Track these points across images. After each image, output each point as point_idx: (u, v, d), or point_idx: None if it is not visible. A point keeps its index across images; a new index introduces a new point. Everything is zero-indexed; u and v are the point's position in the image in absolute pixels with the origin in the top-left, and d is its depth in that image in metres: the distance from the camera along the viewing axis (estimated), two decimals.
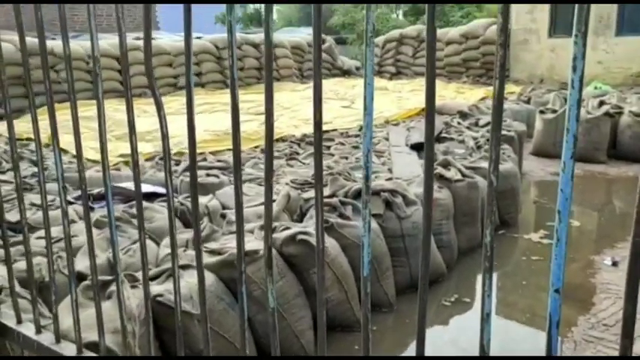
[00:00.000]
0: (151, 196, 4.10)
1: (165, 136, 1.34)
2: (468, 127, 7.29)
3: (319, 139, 1.09)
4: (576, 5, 0.81)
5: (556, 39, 13.35)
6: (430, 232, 1.08)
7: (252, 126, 7.51)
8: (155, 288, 2.45)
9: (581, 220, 5.92)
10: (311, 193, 4.14)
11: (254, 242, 2.98)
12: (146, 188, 4.17)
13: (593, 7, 12.80)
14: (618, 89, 10.64)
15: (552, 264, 0.94)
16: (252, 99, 9.73)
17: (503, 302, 4.06)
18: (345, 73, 15.82)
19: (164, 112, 1.37)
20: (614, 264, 4.32)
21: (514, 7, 14.24)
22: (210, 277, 2.70)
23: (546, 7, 13.21)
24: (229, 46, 1.17)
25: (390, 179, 4.67)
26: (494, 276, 4.65)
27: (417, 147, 6.21)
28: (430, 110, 0.98)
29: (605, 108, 8.23)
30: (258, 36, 13.93)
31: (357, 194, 3.94)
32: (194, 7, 1.23)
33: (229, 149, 6.30)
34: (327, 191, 4.11)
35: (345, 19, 21.04)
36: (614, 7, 12.47)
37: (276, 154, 6.37)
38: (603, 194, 6.84)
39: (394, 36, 15.99)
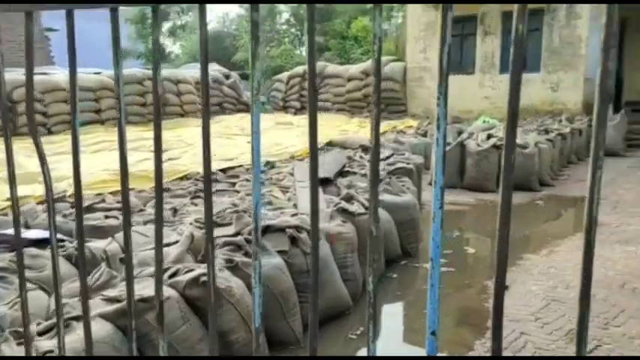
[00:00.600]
0: (42, 242, 3.85)
1: (46, 177, 1.28)
2: (369, 161, 7.54)
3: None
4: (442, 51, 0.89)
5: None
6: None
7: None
8: (44, 344, 2.28)
9: (476, 247, 6.28)
10: (216, 233, 4.08)
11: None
12: (36, 234, 3.92)
13: (479, 48, 13.91)
14: (504, 123, 11.49)
15: (427, 307, 0.99)
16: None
17: (409, 329, 4.18)
18: None
19: (43, 151, 1.31)
20: (506, 288, 4.60)
21: (409, 47, 15.11)
22: (106, 327, 2.57)
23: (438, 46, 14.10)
24: (116, 83, 1.16)
25: (295, 215, 4.72)
26: (400, 305, 4.79)
27: (322, 182, 6.33)
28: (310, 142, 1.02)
29: (492, 140, 8.88)
30: (163, 71, 13.69)
31: (264, 231, 3.94)
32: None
33: (130, 189, 6.08)
34: (231, 229, 4.07)
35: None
36: (498, 47, 13.59)
37: (180, 192, 6.22)
38: (494, 221, 7.31)
39: (298, 72, 16.36)
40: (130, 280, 1.23)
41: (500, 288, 0.93)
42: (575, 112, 12.63)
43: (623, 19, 13.53)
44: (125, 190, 1.19)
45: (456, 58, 14.06)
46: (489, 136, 9.25)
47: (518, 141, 8.85)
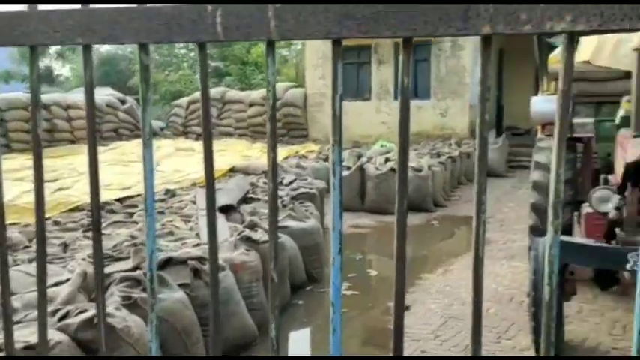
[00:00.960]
0: None
1: None
2: (269, 192, 7.56)
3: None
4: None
5: (345, 102, 14.73)
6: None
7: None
8: None
9: (378, 269, 6.47)
10: (112, 267, 3.88)
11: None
12: None
13: (375, 75, 14.53)
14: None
15: (330, 351, 1.00)
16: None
17: (318, 353, 4.20)
18: None
19: None
20: (407, 308, 4.77)
21: (308, 74, 15.45)
22: None
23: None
24: None
25: (197, 245, 4.61)
26: (307, 331, 4.81)
27: (224, 209, 6.24)
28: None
29: (390, 164, 9.26)
30: (49, 96, 12.93)
31: (165, 264, 3.81)
32: None
33: (14, 223, 5.63)
34: (129, 264, 3.89)
35: None
36: (392, 75, 14.27)
37: (71, 225, 5.86)
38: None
39: (198, 97, 16.11)
40: (8, 326, 1.13)
41: (400, 309, 0.96)
42: (463, 137, 13.50)
43: (500, 50, 14.76)
44: (1, 226, 1.10)
45: (354, 85, 14.57)
46: (387, 160, 9.63)
47: (413, 164, 9.30)
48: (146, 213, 1.02)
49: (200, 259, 4.07)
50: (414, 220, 8.38)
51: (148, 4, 0.90)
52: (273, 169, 0.97)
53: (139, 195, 7.53)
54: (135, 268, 3.73)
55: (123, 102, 16.11)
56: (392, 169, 9.02)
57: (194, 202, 6.90)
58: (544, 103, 5.83)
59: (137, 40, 0.92)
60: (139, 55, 0.94)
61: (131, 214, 6.38)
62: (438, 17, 0.81)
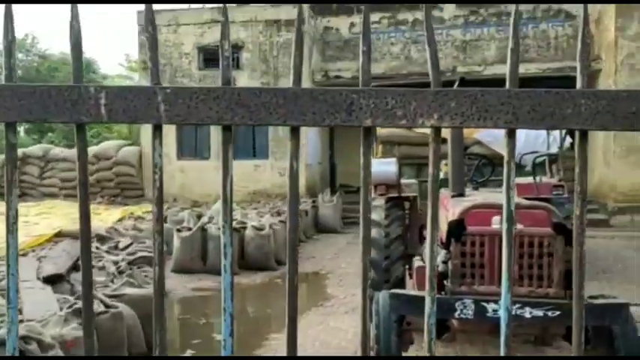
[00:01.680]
0: None
1: None
2: (107, 252, 7.06)
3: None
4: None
5: (184, 161, 14.49)
6: None
7: None
8: None
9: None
10: None
11: None
12: None
13: (213, 134, 14.56)
14: (240, 206, 12.09)
15: None
16: None
17: None
18: None
19: None
20: None
21: (143, 132, 14.96)
22: None
23: (174, 132, 14.32)
24: None
25: (20, 322, 4.08)
26: None
27: (51, 280, 5.64)
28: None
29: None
30: None
31: None
32: None
33: None
34: None
35: None
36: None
37: None
38: (238, 302, 7.47)
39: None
40: None
41: None
42: (301, 195, 14.01)
43: None
44: None
45: (192, 144, 14.43)
46: None
47: (254, 223, 9.38)
48: None
49: (25, 338, 3.61)
50: (256, 279, 8.37)
51: (24, 84, 0.84)
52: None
53: None
54: None
55: None
56: (234, 229, 8.99)
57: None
58: (376, 166, 6.35)
59: (6, 118, 0.85)
60: (6, 134, 0.86)
61: None
62: (325, 109, 0.88)
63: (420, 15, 15.88)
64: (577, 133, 0.90)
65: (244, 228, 9.17)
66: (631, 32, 13.50)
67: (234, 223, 9.21)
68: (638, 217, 12.48)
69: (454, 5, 15.78)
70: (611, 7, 13.84)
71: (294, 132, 0.92)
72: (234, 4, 15.66)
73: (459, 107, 0.87)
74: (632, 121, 0.86)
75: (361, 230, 0.95)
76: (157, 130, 0.91)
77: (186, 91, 0.86)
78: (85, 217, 0.90)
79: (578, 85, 0.90)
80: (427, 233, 0.91)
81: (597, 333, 3.68)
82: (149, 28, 0.88)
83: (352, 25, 16.16)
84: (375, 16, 16.20)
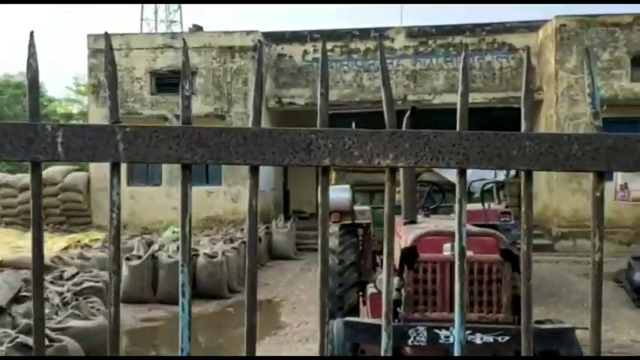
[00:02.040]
0: None
1: None
2: (51, 282, 6.78)
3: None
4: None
5: (134, 187, 14.18)
6: None
7: None
8: None
9: None
10: None
11: None
12: None
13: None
14: (192, 233, 11.88)
15: None
16: None
17: None
18: None
19: None
20: None
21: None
22: None
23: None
24: None
25: None
26: None
27: None
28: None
29: None
30: None
31: None
32: None
33: None
34: None
35: None
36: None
37: None
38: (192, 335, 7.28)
39: None
40: None
41: None
42: None
43: None
44: None
45: (143, 170, 14.16)
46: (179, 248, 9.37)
47: (206, 250, 9.22)
48: None
49: None
50: (209, 307, 8.20)
51: None
52: None
53: None
54: None
55: None
56: None
57: None
58: (329, 192, 6.39)
59: None
60: None
61: None
62: (284, 149, 0.90)
63: (371, 44, 16.28)
64: (522, 174, 0.95)
65: (196, 255, 9.00)
66: (570, 65, 14.24)
67: None
68: (581, 242, 13.00)
69: (404, 35, 16.27)
70: (552, 41, 14.59)
71: (254, 171, 0.94)
72: (186, 32, 15.64)
73: (412, 148, 0.91)
74: (572, 162, 0.92)
75: (320, 264, 0.97)
76: (115, 169, 0.91)
77: (146, 130, 0.87)
78: (38, 257, 0.88)
79: (523, 128, 0.96)
80: (383, 270, 0.93)
81: (545, 357, 3.79)
82: (109, 67, 0.88)
83: (305, 52, 16.39)
84: (328, 45, 16.49)
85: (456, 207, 0.96)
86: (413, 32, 16.33)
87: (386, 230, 0.95)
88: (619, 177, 11.75)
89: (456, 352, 0.98)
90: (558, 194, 14.00)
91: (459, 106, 0.96)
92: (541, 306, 7.27)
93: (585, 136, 0.93)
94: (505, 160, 0.92)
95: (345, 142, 0.90)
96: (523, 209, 0.96)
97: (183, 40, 0.94)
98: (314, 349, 6.16)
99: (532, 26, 15.85)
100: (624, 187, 12.39)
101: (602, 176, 0.95)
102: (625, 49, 14.12)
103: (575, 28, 14.40)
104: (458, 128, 0.94)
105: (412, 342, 3.82)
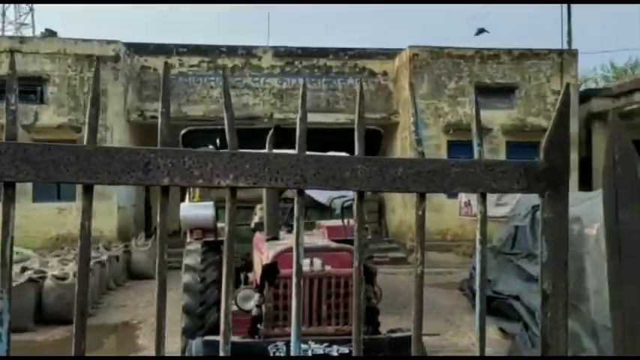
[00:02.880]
0: None
1: None
2: None
3: None
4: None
5: None
6: None
7: None
8: None
9: None
10: None
11: None
12: None
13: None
14: (39, 252, 10.91)
15: None
16: None
17: None
18: None
19: None
20: None
21: None
22: None
23: None
24: None
25: None
26: None
27: None
28: None
29: (28, 273, 8.24)
30: None
31: None
32: None
33: None
34: None
35: None
36: None
37: None
38: None
39: None
40: None
41: None
42: (112, 239, 13.13)
43: None
44: None
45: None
46: (24, 269, 8.55)
47: (56, 272, 8.52)
48: None
49: None
50: (55, 334, 7.57)
51: None
52: None
53: None
54: None
55: None
56: (30, 280, 8.05)
57: None
58: (192, 209, 6.25)
59: None
60: None
61: None
62: (121, 168, 0.88)
63: (239, 61, 16.31)
64: (355, 194, 1.03)
65: (43, 278, 8.27)
66: (422, 91, 15.45)
67: (29, 273, 8.25)
68: (431, 255, 14.02)
69: (271, 55, 16.53)
70: (407, 68, 15.73)
71: (87, 191, 0.91)
72: (38, 37, 14.46)
73: (252, 169, 0.94)
74: (398, 184, 1.02)
75: (157, 286, 0.95)
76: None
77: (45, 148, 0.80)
78: None
79: (357, 152, 1.04)
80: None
81: None
82: None
83: (171, 66, 15.96)
84: (194, 60, 16.23)
85: (294, 225, 1.00)
86: (280, 52, 16.66)
87: (226, 248, 0.97)
88: (463, 195, 12.93)
89: None
90: (411, 210, 15.01)
91: (297, 131, 1.01)
92: (396, 315, 7.70)
93: (409, 160, 1.03)
94: (339, 181, 0.99)
95: (185, 162, 0.91)
96: (356, 227, 1.04)
97: (11, 52, 0.88)
98: None
99: (389, 54, 16.95)
100: (468, 203, 13.66)
101: (423, 196, 1.05)
102: (468, 78, 15.65)
103: (427, 57, 15.68)
104: (297, 150, 1.00)
105: (272, 357, 3.86)
